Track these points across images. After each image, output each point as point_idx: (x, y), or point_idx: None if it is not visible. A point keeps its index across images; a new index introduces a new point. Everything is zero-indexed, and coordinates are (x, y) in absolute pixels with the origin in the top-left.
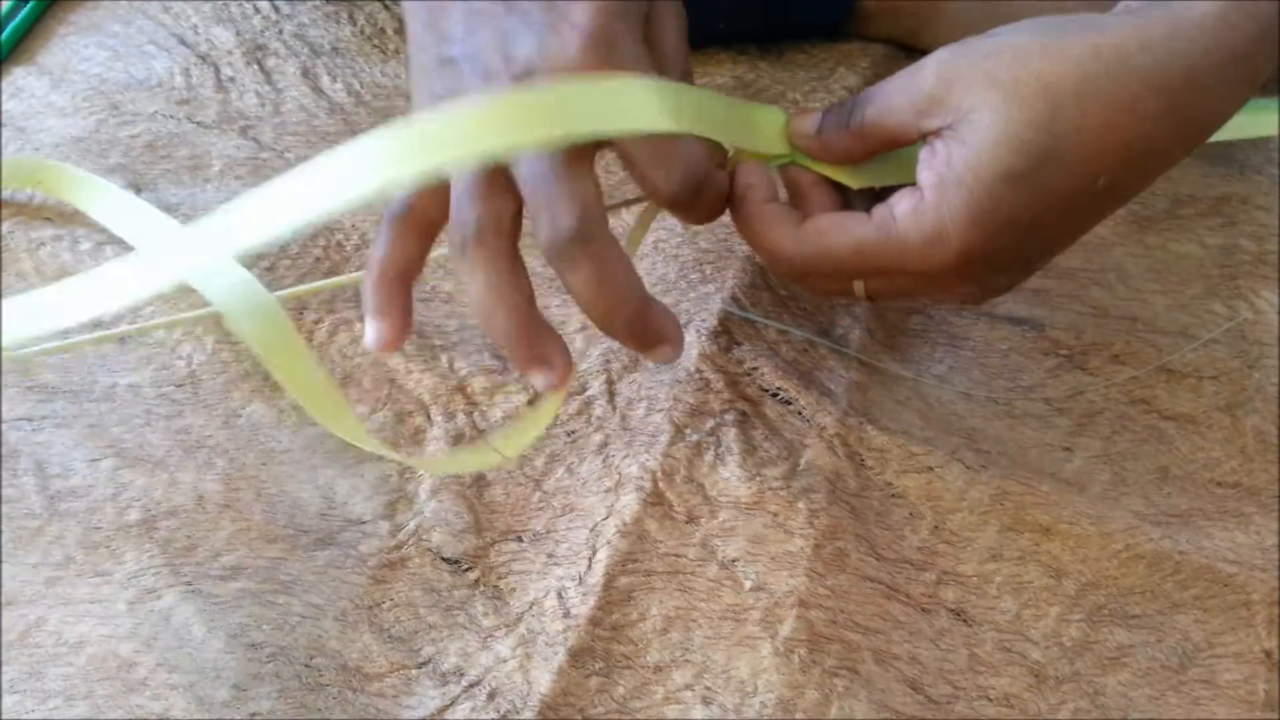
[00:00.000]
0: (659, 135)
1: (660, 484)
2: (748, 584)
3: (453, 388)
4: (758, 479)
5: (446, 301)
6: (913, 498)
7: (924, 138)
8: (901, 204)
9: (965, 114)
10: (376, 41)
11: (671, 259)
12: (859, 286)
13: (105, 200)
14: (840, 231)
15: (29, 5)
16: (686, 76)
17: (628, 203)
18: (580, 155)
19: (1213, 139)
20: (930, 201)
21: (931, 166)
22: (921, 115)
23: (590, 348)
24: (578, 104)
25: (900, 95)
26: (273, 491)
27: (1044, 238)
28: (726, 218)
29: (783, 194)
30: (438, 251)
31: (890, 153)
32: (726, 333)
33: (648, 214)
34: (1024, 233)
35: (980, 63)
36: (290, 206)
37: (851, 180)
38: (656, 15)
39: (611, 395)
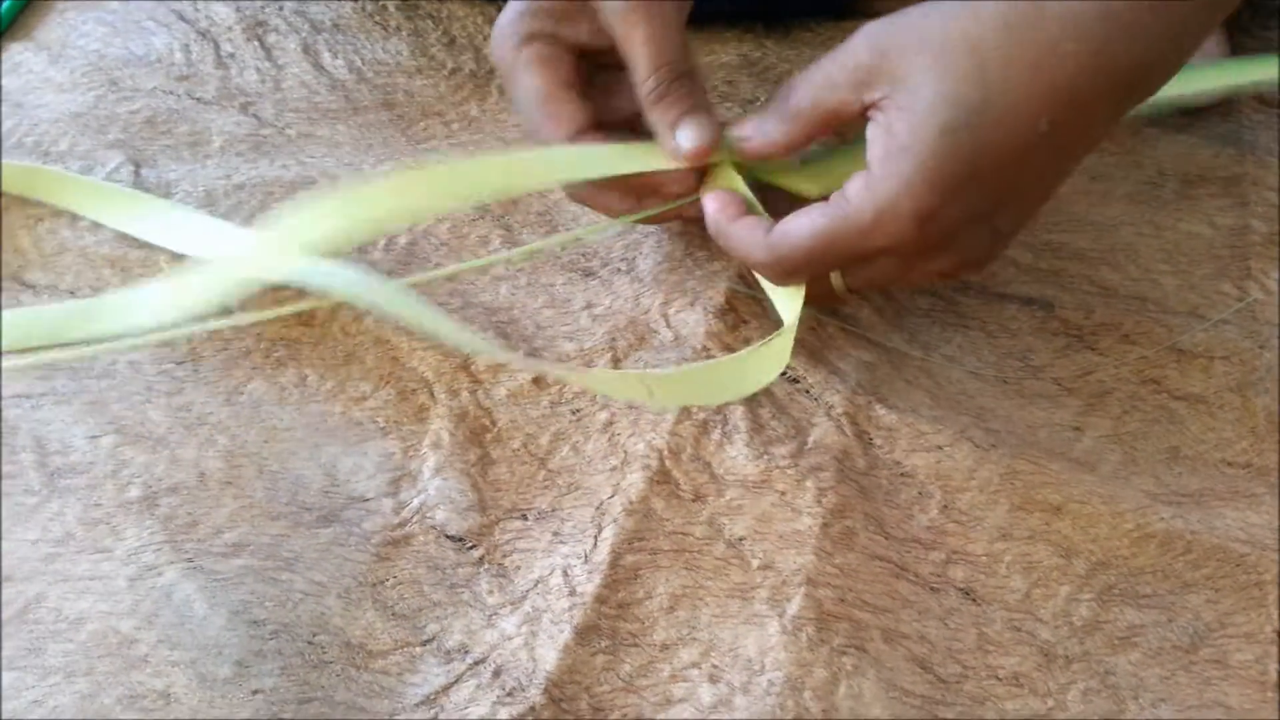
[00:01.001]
0: None
1: (667, 462)
2: (755, 562)
3: (456, 366)
4: (765, 457)
5: (449, 280)
6: (921, 476)
7: (867, 112)
8: (854, 184)
9: (901, 80)
10: (378, 18)
11: (678, 237)
12: (837, 281)
13: (120, 206)
14: (802, 225)
15: None
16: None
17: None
18: None
19: (1215, 86)
20: (880, 174)
21: (878, 141)
22: (860, 87)
23: (596, 326)
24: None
25: (838, 72)
26: (275, 468)
27: (1001, 191)
28: None
29: None
30: (438, 224)
31: (842, 153)
32: (733, 310)
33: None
34: (976, 186)
35: (911, 29)
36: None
37: (812, 188)
38: None
39: None
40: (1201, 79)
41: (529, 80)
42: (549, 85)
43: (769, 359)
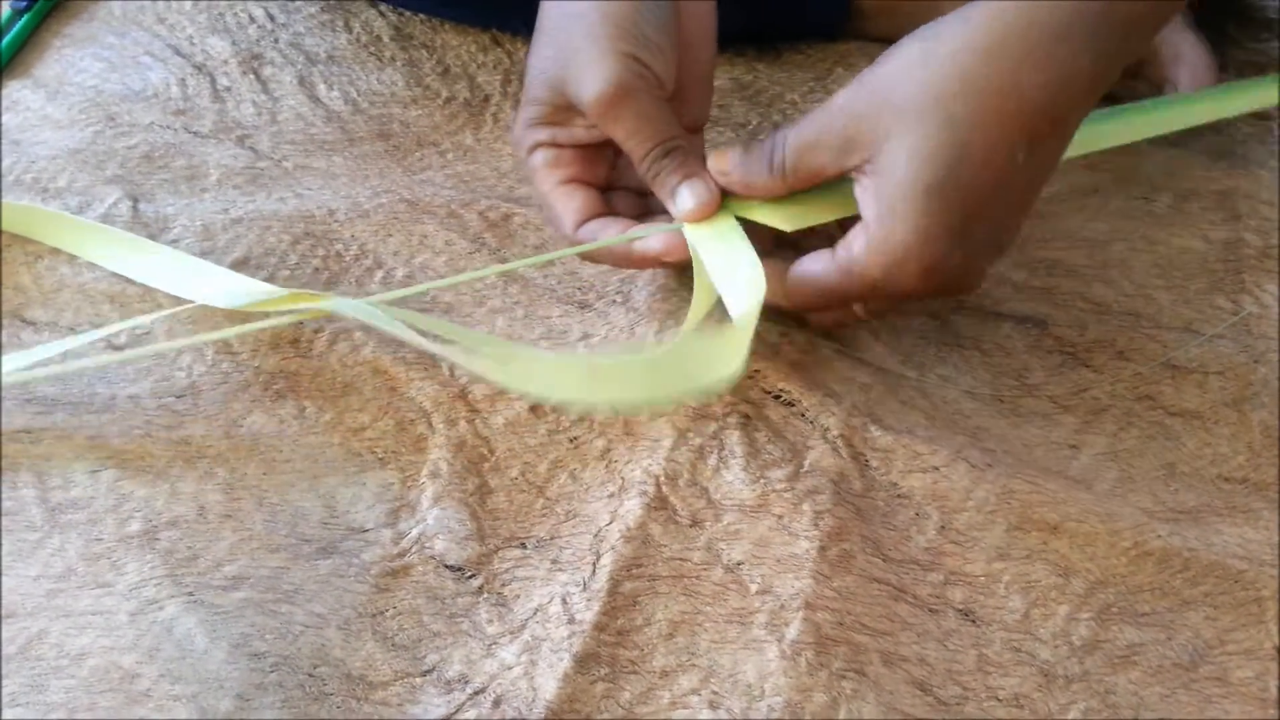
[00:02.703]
0: None
1: (664, 488)
2: (753, 587)
3: (454, 395)
4: (762, 481)
5: (446, 311)
6: (918, 498)
7: (850, 174)
8: (857, 239)
9: (878, 147)
10: (373, 49)
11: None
12: (859, 308)
13: (115, 247)
14: (813, 274)
15: (24, 19)
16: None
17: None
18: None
19: (1218, 117)
20: (878, 236)
21: (868, 203)
22: (841, 154)
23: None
24: None
25: (820, 135)
26: (274, 501)
27: (993, 220)
28: None
29: None
30: (435, 258)
31: (817, 194)
32: None
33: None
34: (972, 226)
35: (877, 92)
36: None
37: (786, 225)
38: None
39: None
40: (1200, 110)
41: (535, 185)
42: (548, 188)
43: (722, 350)
